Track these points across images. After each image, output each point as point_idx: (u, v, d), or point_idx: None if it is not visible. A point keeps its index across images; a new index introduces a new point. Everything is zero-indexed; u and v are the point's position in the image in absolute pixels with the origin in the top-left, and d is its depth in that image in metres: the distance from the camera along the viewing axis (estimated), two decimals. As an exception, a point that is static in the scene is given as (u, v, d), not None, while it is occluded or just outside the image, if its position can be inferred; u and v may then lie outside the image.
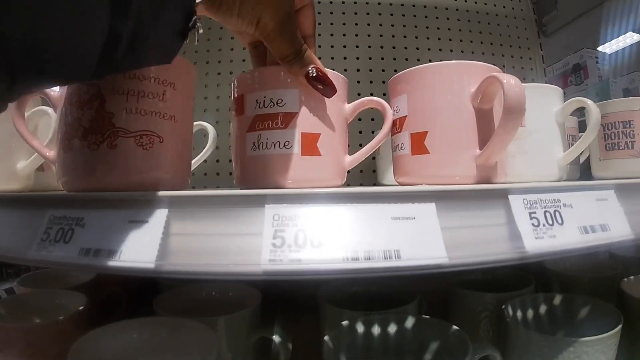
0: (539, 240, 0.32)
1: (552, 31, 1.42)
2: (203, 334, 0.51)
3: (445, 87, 0.48)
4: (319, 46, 1.18)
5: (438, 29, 1.27)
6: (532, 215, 0.34)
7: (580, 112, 0.75)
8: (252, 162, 0.48)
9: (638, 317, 0.61)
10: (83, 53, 0.29)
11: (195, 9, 0.37)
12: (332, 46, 1.20)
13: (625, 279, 0.69)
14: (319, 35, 1.24)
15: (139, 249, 0.31)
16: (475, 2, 1.35)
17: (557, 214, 0.34)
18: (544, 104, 0.59)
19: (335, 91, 0.47)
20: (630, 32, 5.54)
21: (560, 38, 1.49)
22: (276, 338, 0.57)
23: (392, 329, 0.56)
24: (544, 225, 0.33)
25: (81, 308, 0.58)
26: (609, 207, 0.37)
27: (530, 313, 0.62)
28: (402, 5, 1.26)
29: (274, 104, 0.47)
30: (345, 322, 0.56)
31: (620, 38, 5.67)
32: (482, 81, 0.46)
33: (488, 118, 0.48)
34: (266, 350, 0.58)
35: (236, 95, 0.51)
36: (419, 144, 0.50)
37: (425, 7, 1.28)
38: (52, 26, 0.26)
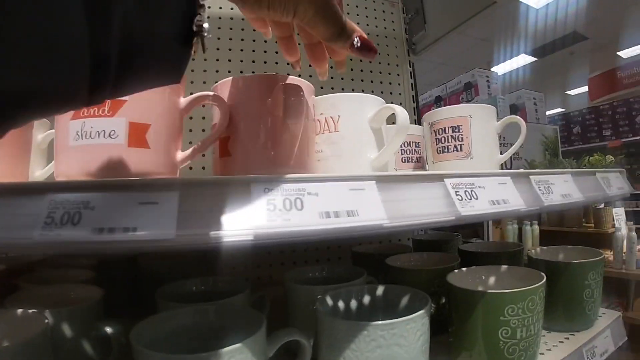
0: (270, 222, 0.35)
1: (420, 50, 1.51)
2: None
3: (245, 97, 0.53)
4: (205, 59, 1.20)
5: (313, 45, 1.33)
6: (270, 201, 0.37)
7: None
8: (74, 153, 0.45)
9: (462, 305, 0.66)
10: (66, 86, 0.25)
11: (200, 4, 0.32)
12: (205, 59, 1.21)
13: (456, 271, 0.74)
14: (205, 51, 1.24)
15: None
16: (358, 24, 1.39)
17: (297, 200, 0.38)
18: (358, 111, 0.64)
19: (376, 52, 0.46)
20: (523, 54, 6.05)
21: (427, 55, 1.60)
22: (111, 332, 0.58)
23: (208, 318, 0.59)
24: (279, 210, 0.36)
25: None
26: (364, 196, 0.41)
27: (350, 303, 0.66)
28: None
29: (101, 89, 0.44)
30: (167, 313, 0.60)
31: (514, 59, 6.17)
32: (273, 92, 0.51)
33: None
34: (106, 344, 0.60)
35: None
36: (224, 147, 0.54)
37: (300, 24, 1.33)
38: (22, 64, 0.23)
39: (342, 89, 1.37)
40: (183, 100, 0.52)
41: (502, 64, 6.24)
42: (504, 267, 0.76)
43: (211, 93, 0.53)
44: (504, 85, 6.25)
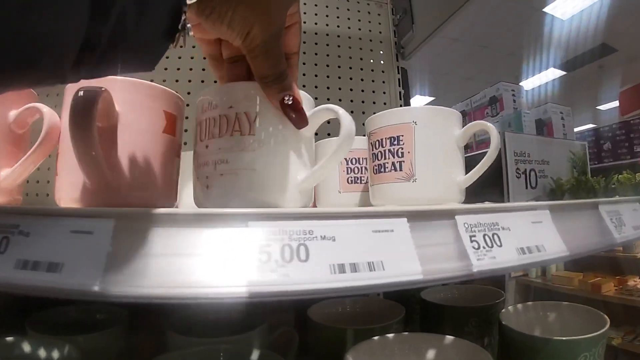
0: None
1: (409, 53, 1.32)
2: None
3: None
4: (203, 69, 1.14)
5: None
6: None
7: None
8: None
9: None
10: (55, 56, 0.27)
11: (185, 10, 0.34)
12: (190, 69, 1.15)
13: (375, 339, 0.53)
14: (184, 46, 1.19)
15: None
16: (338, 26, 1.31)
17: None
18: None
19: (306, 124, 0.44)
20: (552, 68, 5.79)
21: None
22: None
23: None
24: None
25: None
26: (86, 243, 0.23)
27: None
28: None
29: None
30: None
31: (542, 74, 5.91)
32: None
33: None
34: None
35: None
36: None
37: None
38: (21, 26, 0.24)
39: (316, 99, 1.22)
40: (12, 114, 0.49)
41: (531, 78, 5.98)
42: (448, 339, 0.54)
43: (37, 105, 0.48)
44: (533, 101, 5.98)
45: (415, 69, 5.54)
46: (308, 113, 0.46)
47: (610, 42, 4.95)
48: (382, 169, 0.59)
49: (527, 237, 0.38)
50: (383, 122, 0.59)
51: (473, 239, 0.33)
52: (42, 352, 0.54)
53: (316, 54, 1.26)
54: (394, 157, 0.57)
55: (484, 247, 0.33)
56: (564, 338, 0.54)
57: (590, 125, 5.85)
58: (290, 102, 0.43)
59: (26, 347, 0.54)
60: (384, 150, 0.58)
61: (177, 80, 1.12)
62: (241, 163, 0.43)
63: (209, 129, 0.45)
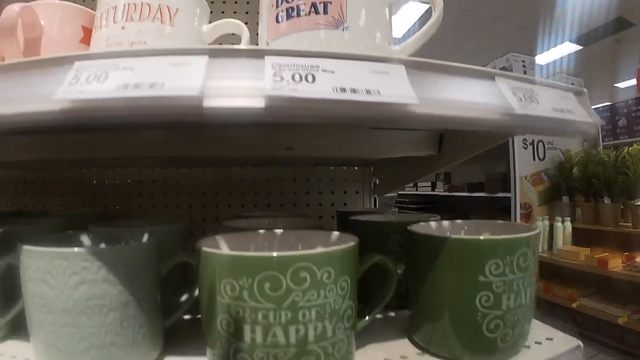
0: None
1: None
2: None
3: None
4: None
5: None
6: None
7: None
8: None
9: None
10: None
11: None
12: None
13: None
14: None
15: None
16: None
17: None
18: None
19: None
20: (567, 42, 5.53)
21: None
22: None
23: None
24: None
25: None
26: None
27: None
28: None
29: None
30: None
31: (558, 48, 5.65)
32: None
33: None
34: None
35: None
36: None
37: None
38: None
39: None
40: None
41: (546, 52, 5.73)
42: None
43: None
44: (548, 76, 5.77)
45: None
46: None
47: (628, 15, 4.71)
48: (294, 13, 0.41)
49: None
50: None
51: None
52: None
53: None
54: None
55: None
56: (460, 237, 0.44)
57: (608, 103, 5.62)
58: None
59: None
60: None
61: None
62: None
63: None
